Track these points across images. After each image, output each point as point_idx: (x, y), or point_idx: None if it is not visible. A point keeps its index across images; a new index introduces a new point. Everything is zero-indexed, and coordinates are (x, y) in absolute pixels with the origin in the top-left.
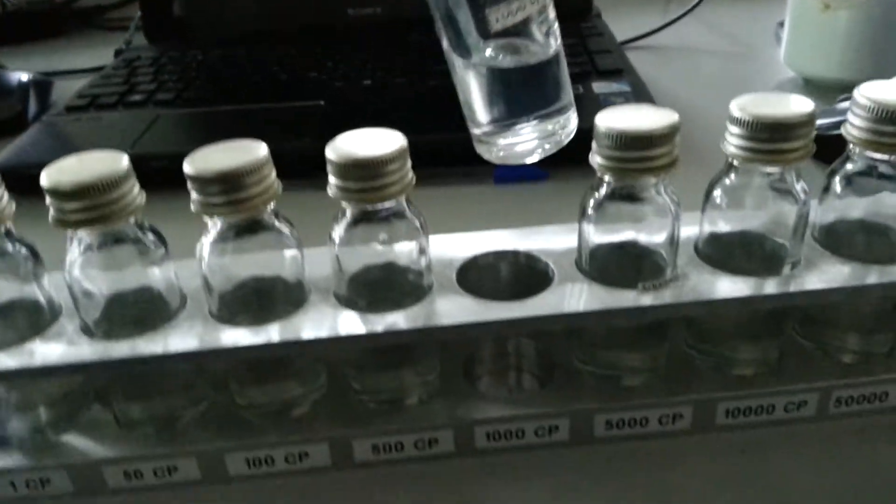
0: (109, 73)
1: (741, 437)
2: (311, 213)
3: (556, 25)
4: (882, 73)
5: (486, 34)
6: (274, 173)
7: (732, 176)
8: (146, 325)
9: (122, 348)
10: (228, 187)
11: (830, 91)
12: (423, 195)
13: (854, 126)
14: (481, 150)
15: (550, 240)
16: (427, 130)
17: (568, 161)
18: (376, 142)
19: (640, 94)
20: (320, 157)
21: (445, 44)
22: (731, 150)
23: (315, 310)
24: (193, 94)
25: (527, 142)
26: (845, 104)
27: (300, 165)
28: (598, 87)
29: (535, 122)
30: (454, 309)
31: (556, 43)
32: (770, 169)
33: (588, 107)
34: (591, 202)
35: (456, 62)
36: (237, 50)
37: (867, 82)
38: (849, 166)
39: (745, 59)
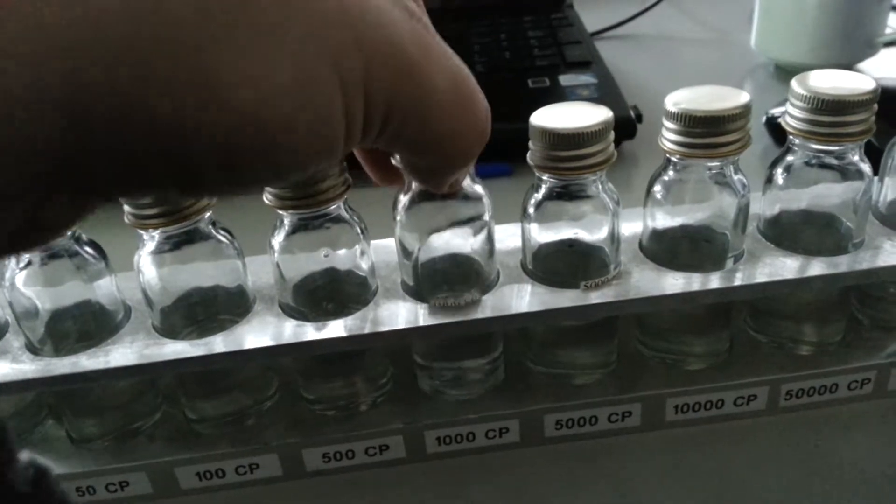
0: None
1: (691, 433)
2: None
3: None
4: (852, 58)
5: None
6: None
7: (671, 172)
8: (91, 340)
9: (63, 365)
10: (160, 200)
11: None
12: (391, 193)
13: (792, 117)
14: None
15: (498, 240)
16: None
17: None
18: None
19: (606, 85)
20: None
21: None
22: (668, 146)
23: (258, 319)
24: None
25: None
26: None
27: None
28: (565, 79)
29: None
30: (397, 314)
31: None
32: (708, 163)
33: (556, 100)
34: (531, 202)
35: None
36: None
37: (805, 73)
38: (789, 158)
39: (719, 46)
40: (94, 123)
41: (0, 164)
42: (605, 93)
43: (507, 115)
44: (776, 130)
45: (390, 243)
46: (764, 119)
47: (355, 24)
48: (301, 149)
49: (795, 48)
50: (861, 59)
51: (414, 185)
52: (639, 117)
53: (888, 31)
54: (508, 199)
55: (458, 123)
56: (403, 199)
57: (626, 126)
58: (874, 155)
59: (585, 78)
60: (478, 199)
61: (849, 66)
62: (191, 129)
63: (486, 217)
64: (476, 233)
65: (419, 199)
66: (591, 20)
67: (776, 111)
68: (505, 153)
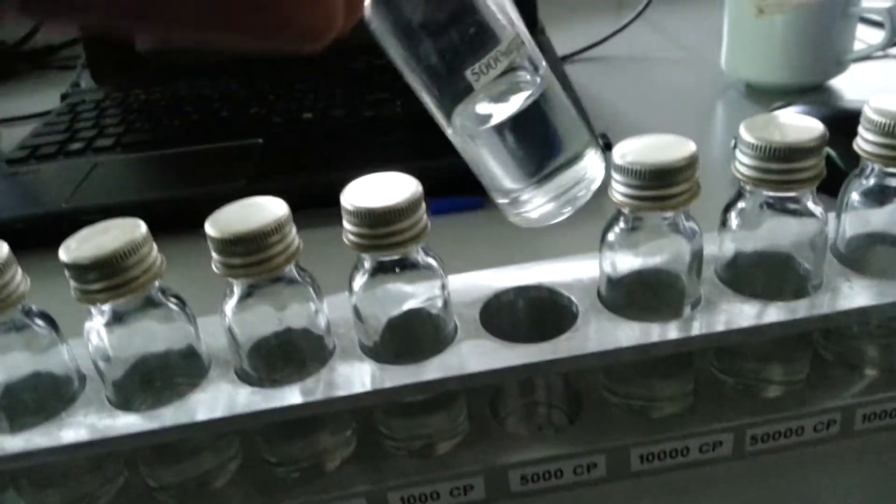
0: (52, 121)
1: (657, 482)
2: None
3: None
4: (821, 76)
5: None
6: (155, 251)
7: (622, 222)
8: (47, 413)
9: (16, 443)
10: (106, 273)
11: (770, 95)
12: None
13: (742, 164)
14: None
15: (457, 290)
16: (363, 164)
17: None
18: (257, 213)
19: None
20: None
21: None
22: (618, 198)
23: (213, 387)
24: (132, 139)
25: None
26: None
27: None
28: None
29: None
30: (353, 377)
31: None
32: (661, 214)
33: None
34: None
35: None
36: (181, 86)
37: (753, 118)
38: (741, 203)
39: (690, 66)
40: None
41: None
42: None
43: None
44: None
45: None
46: (733, 142)
47: None
48: None
49: (764, 68)
50: (831, 76)
51: (367, 262)
52: (607, 146)
53: (858, 45)
54: (479, 234)
55: None
56: (358, 278)
57: None
58: (839, 177)
59: None
60: (432, 272)
61: (819, 85)
62: None
63: (442, 292)
64: (433, 307)
65: (375, 277)
66: (563, 43)
67: None
68: (475, 186)
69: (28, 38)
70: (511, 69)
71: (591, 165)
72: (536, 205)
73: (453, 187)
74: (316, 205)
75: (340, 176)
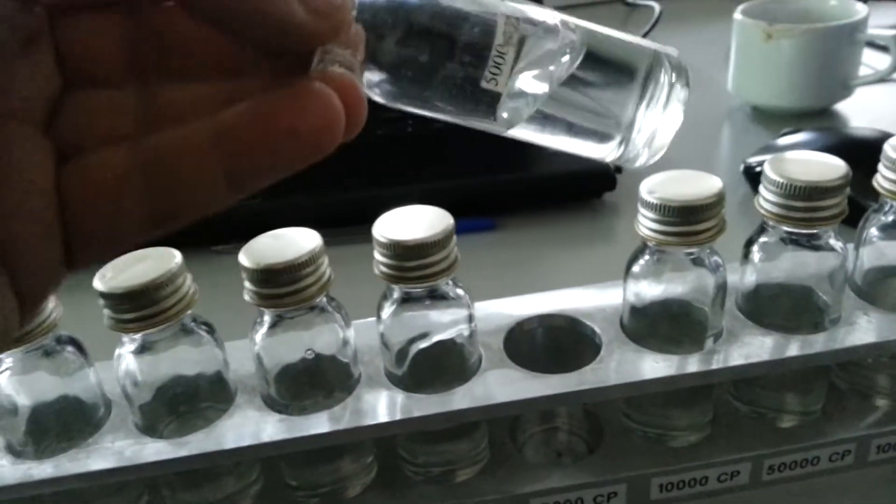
0: None
1: None
2: None
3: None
4: (827, 100)
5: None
6: (189, 280)
7: (647, 255)
8: (72, 439)
9: (45, 469)
10: (140, 303)
11: (777, 119)
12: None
13: (766, 200)
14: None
15: (480, 318)
16: (374, 183)
17: (513, 210)
18: (291, 244)
19: None
20: (275, 218)
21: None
22: (645, 232)
23: (240, 414)
24: None
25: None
26: (786, 139)
27: (253, 228)
28: None
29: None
30: (380, 406)
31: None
32: (684, 249)
33: (534, 150)
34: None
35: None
36: None
37: (777, 155)
38: (764, 238)
39: (697, 87)
40: None
41: None
42: None
43: (488, 168)
44: (754, 179)
45: (373, 324)
46: (742, 167)
47: None
48: None
49: (771, 92)
50: (836, 100)
51: (396, 292)
52: (618, 168)
53: (865, 70)
54: (491, 255)
55: None
56: (387, 307)
57: (605, 179)
58: (853, 209)
59: None
60: (460, 303)
61: (825, 109)
62: None
63: (469, 323)
64: (459, 337)
65: (404, 307)
66: None
67: (753, 160)
68: (486, 207)
69: None
70: (524, 47)
71: (668, 73)
72: (646, 135)
73: (464, 208)
74: (328, 223)
75: (351, 194)
